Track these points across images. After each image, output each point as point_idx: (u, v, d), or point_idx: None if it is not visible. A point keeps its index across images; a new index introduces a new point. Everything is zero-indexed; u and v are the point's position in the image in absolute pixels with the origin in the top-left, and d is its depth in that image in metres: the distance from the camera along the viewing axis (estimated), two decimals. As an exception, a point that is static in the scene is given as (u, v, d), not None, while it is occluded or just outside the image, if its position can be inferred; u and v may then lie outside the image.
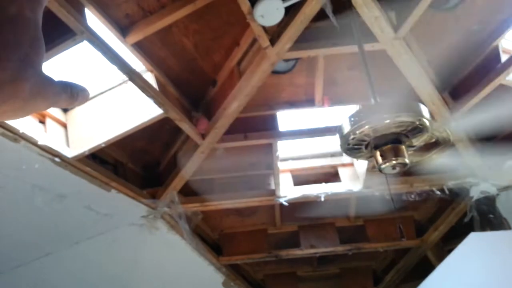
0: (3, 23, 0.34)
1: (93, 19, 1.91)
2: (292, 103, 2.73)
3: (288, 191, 3.10)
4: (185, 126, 2.46)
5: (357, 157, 1.54)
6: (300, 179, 3.24)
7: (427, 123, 1.38)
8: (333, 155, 3.36)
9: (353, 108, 2.89)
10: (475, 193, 3.04)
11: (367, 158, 1.52)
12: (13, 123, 1.92)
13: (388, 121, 1.33)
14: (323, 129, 2.79)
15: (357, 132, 1.37)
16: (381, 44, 2.12)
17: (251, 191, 3.10)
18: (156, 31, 2.05)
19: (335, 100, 2.70)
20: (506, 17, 2.28)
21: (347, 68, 2.53)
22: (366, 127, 1.35)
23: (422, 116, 1.36)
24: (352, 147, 1.45)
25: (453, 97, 2.52)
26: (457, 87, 2.53)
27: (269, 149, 2.86)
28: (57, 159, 2.14)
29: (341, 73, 2.57)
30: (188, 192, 3.02)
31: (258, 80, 2.30)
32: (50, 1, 1.57)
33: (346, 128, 1.39)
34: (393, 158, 1.36)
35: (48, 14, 1.68)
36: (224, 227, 3.62)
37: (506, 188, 3.07)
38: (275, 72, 2.50)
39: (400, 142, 1.39)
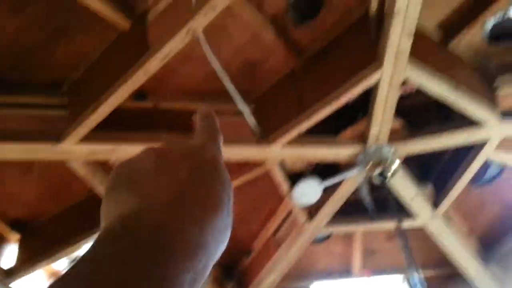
0: (209, 174, 0.36)
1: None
2: (329, 273, 2.61)
3: None
4: (217, 299, 2.34)
5: None
6: None
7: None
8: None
9: (394, 278, 2.74)
10: None
11: None
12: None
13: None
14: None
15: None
16: (419, 221, 2.10)
17: None
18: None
19: (374, 270, 2.58)
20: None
21: (385, 240, 2.47)
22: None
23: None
24: None
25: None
26: (502, 258, 2.40)
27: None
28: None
29: (380, 244, 2.50)
30: None
31: (295, 255, 2.25)
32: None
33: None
34: None
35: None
36: None
37: None
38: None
39: None
